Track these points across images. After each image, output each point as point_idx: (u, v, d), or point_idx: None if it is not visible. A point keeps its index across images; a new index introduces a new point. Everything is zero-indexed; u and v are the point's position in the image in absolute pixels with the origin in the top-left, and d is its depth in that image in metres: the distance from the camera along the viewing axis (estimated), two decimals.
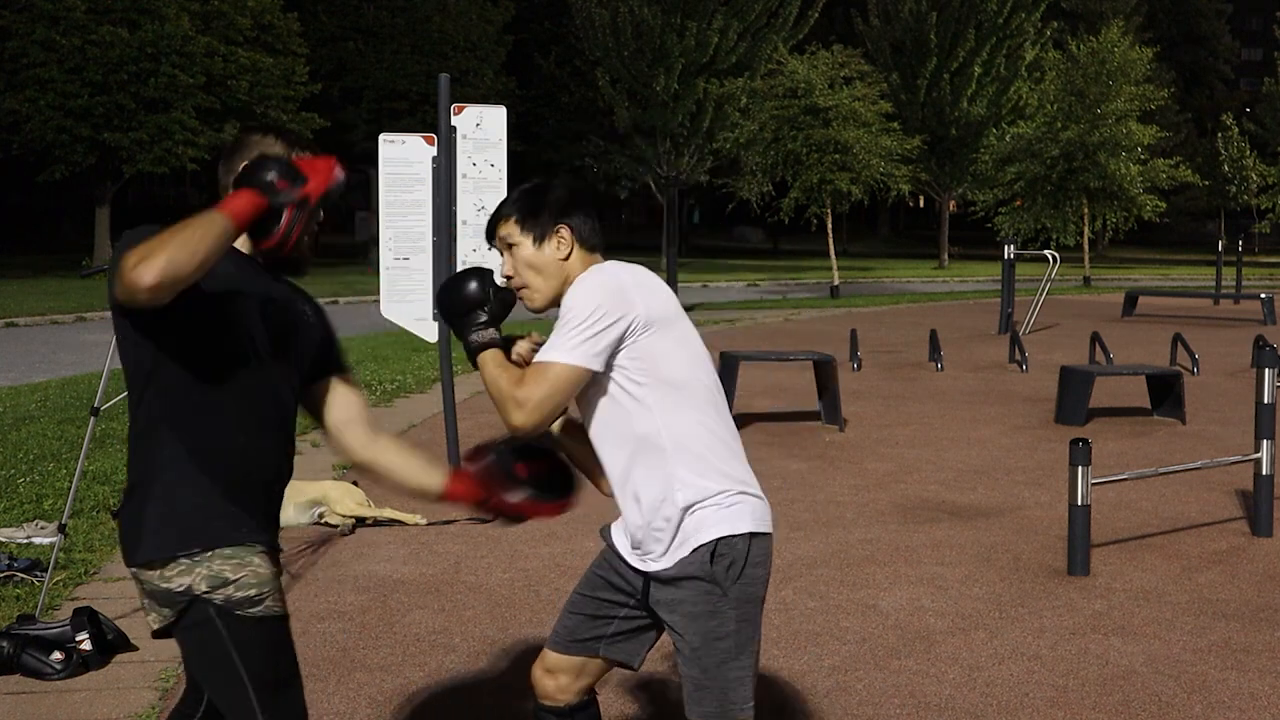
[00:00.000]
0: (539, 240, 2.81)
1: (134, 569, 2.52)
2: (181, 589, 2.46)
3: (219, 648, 2.48)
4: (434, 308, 2.87)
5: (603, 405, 2.75)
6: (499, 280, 2.86)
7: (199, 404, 2.49)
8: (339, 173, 2.60)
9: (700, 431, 2.74)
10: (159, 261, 2.20)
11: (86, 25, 29.96)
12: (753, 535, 2.75)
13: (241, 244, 2.57)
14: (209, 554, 2.47)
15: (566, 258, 2.81)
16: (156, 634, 2.56)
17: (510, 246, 2.84)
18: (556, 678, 2.98)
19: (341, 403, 2.81)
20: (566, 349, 2.66)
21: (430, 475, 2.85)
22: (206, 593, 2.46)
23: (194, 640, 2.50)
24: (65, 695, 4.24)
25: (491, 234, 2.89)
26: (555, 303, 2.82)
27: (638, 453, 2.73)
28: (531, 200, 2.84)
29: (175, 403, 2.49)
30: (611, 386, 2.72)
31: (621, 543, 2.88)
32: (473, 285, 2.82)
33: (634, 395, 2.71)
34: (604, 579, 2.93)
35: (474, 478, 2.84)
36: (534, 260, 2.82)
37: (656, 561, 2.76)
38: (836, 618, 5.09)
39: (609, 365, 2.70)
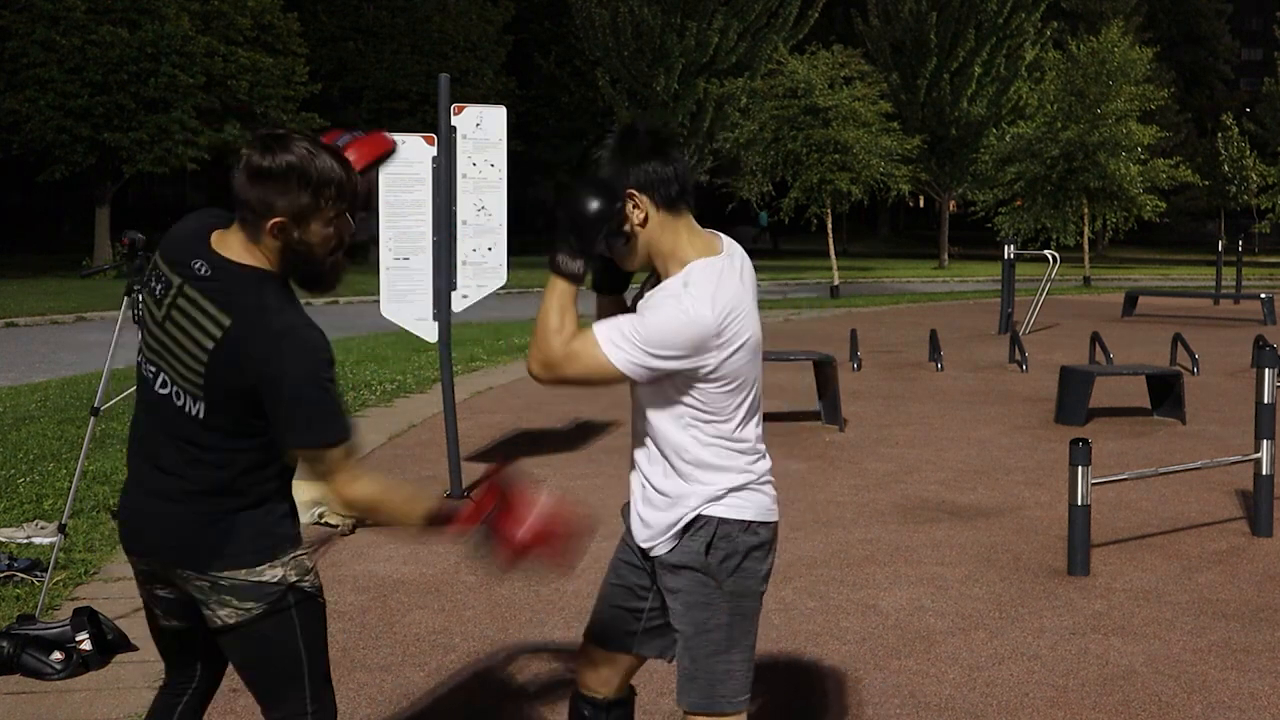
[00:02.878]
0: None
1: (216, 571, 2.58)
2: (276, 580, 2.60)
3: (289, 635, 2.63)
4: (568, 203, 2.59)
5: (654, 386, 2.69)
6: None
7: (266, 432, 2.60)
8: (387, 152, 2.73)
9: (728, 429, 2.71)
10: (357, 512, 2.70)
11: (86, 25, 29.93)
12: (751, 524, 2.73)
13: (256, 260, 2.56)
14: (295, 550, 2.65)
15: (643, 223, 2.65)
16: (230, 629, 2.62)
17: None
18: (599, 670, 2.98)
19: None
20: (623, 356, 2.57)
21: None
22: (296, 581, 2.63)
23: (269, 630, 2.61)
24: (65, 695, 4.24)
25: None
26: (644, 266, 2.71)
27: (661, 438, 2.72)
28: (606, 163, 2.66)
29: (243, 432, 2.60)
30: (666, 384, 2.67)
31: (634, 522, 2.85)
32: (588, 204, 2.58)
33: (681, 402, 2.68)
34: (627, 564, 2.91)
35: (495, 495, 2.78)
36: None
37: (656, 544, 2.76)
38: (836, 618, 5.09)
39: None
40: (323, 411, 2.49)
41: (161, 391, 2.58)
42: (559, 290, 2.61)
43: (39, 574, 5.39)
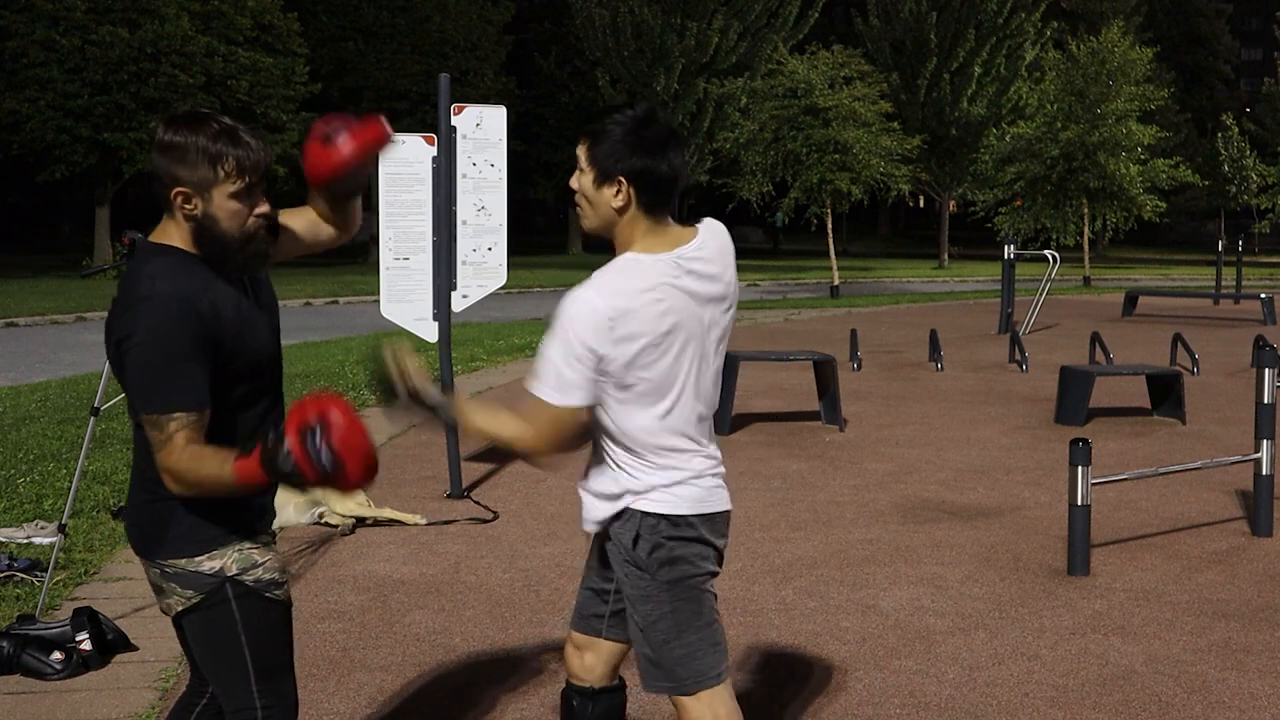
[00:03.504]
0: (598, 181, 2.67)
1: (158, 559, 2.62)
2: (213, 571, 2.60)
3: (229, 628, 2.63)
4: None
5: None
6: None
7: (224, 415, 2.59)
8: (383, 141, 2.64)
9: (647, 427, 2.74)
10: (183, 488, 2.50)
11: (86, 25, 29.93)
12: (679, 518, 2.75)
13: (190, 248, 2.60)
14: (240, 542, 2.64)
15: (621, 210, 2.69)
16: (179, 616, 2.67)
17: (580, 168, 2.71)
18: (582, 655, 3.02)
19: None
20: (547, 384, 2.67)
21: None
22: (237, 574, 2.62)
23: (208, 620, 2.63)
24: (65, 695, 4.24)
25: (578, 141, 2.75)
26: (600, 233, 2.75)
27: (600, 434, 2.80)
28: (611, 136, 2.66)
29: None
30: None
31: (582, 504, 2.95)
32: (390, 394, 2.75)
33: (608, 396, 2.73)
34: (598, 550, 2.96)
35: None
36: (591, 196, 2.70)
37: (595, 530, 2.86)
38: (836, 618, 5.09)
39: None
40: (157, 378, 2.45)
41: None
42: (472, 419, 2.77)
43: (39, 574, 5.39)
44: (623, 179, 2.65)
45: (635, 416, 2.72)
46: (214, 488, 2.50)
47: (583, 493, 2.87)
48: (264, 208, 2.60)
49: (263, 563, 2.66)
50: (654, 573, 2.74)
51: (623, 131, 2.65)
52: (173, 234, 2.61)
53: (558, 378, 2.65)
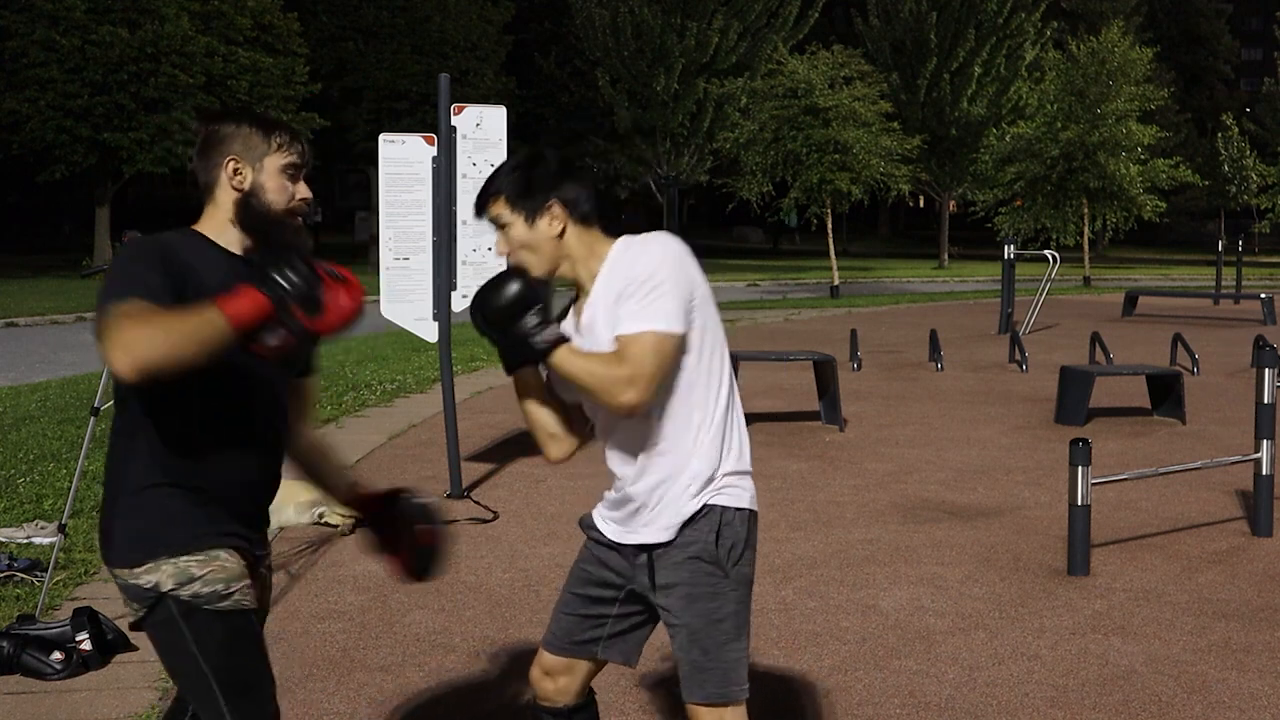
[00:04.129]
0: (531, 218, 2.71)
1: (109, 568, 2.59)
2: (150, 586, 2.51)
3: (182, 646, 2.52)
4: (477, 321, 2.64)
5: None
6: (498, 257, 2.80)
7: (182, 413, 2.51)
8: (358, 315, 2.45)
9: (721, 412, 2.75)
10: (137, 354, 2.17)
11: (86, 25, 29.92)
12: (751, 514, 2.82)
13: (233, 243, 2.59)
14: (177, 555, 2.51)
15: (560, 234, 2.72)
16: (133, 626, 2.62)
17: (502, 226, 2.74)
18: (555, 679, 2.97)
19: (296, 404, 2.83)
20: (661, 317, 2.59)
21: (339, 479, 3.09)
22: (173, 590, 2.50)
23: (160, 637, 2.56)
24: (65, 695, 4.24)
25: (481, 210, 2.76)
26: (553, 271, 2.75)
27: (665, 420, 2.71)
28: (521, 177, 2.72)
29: (156, 410, 2.51)
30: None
31: (608, 525, 2.86)
32: (515, 287, 2.64)
33: (682, 367, 2.69)
34: (591, 574, 2.91)
35: (382, 509, 3.03)
36: (527, 240, 2.72)
37: (653, 534, 2.76)
38: (836, 618, 5.09)
39: None
40: (111, 283, 2.39)
41: None
42: (569, 355, 2.64)
43: (39, 574, 5.39)
44: (553, 204, 2.71)
45: (709, 393, 2.73)
46: (193, 331, 2.21)
47: (638, 510, 2.77)
48: (305, 192, 2.64)
49: (202, 575, 2.50)
50: (729, 569, 2.74)
51: (526, 173, 2.73)
52: (204, 221, 2.60)
53: (674, 307, 2.61)
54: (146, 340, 2.18)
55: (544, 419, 2.87)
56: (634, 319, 2.60)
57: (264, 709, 2.59)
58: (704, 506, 2.73)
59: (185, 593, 2.49)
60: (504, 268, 2.75)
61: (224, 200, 2.58)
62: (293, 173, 2.61)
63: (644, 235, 2.71)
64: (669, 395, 2.69)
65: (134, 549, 2.52)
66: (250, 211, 2.58)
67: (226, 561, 2.55)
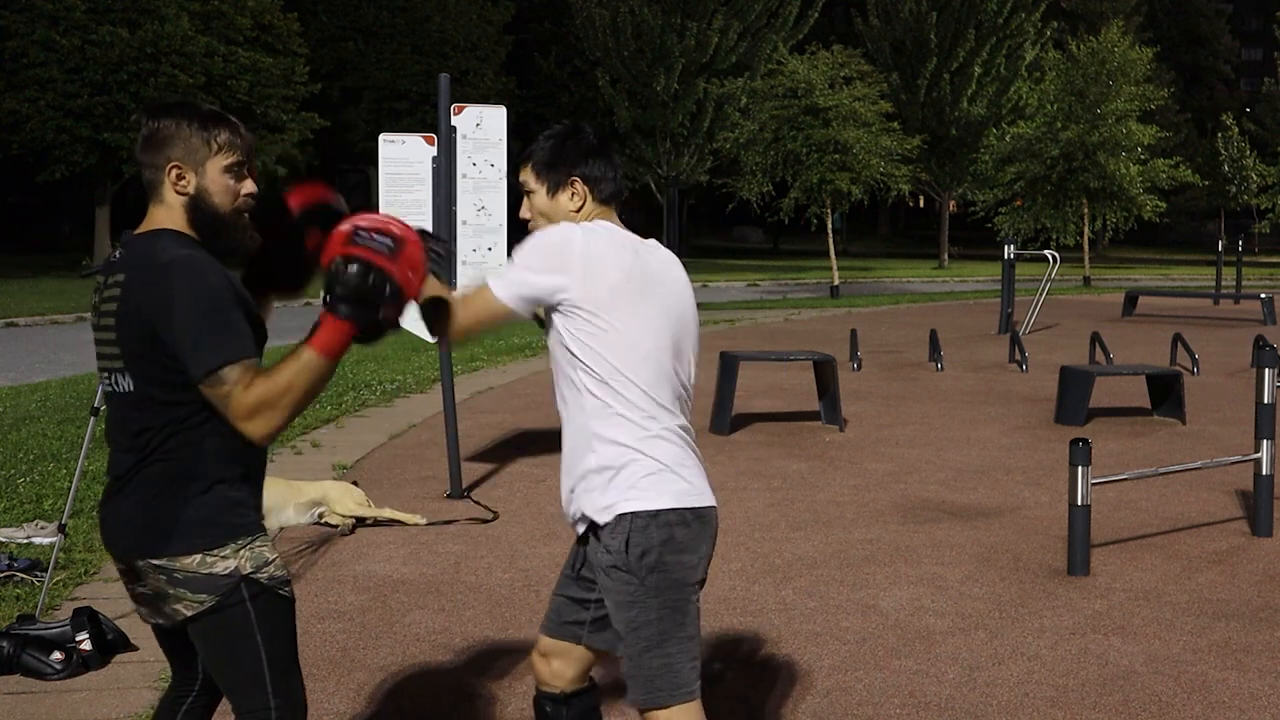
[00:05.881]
0: (553, 190, 2.85)
1: (163, 560, 2.55)
2: (227, 572, 2.56)
3: (245, 630, 2.59)
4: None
5: (557, 363, 2.81)
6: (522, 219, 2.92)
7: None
8: (423, 256, 2.52)
9: (631, 400, 2.72)
10: (278, 422, 2.47)
11: (86, 25, 29.92)
12: (661, 513, 2.69)
13: (178, 226, 2.61)
14: (250, 539, 2.61)
15: (579, 209, 2.84)
16: (190, 620, 2.59)
17: (528, 193, 2.88)
18: (550, 662, 3.00)
19: None
20: (500, 281, 2.74)
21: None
22: (252, 573, 2.58)
23: (223, 623, 2.58)
24: (65, 695, 4.24)
25: (518, 173, 2.94)
26: None
27: (573, 416, 2.78)
28: (551, 149, 2.85)
29: (209, 405, 2.54)
30: (558, 347, 2.77)
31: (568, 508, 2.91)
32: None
33: (575, 356, 2.74)
34: (579, 557, 2.95)
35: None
36: (547, 209, 2.86)
37: (579, 527, 2.83)
38: (836, 618, 5.09)
39: (550, 322, 2.76)
40: (208, 333, 2.44)
41: (109, 389, 2.65)
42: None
43: (39, 574, 5.39)
44: (575, 179, 2.83)
45: (611, 382, 2.78)
46: (309, 385, 2.45)
47: (578, 498, 2.83)
48: (250, 186, 2.66)
49: (273, 559, 2.62)
50: (644, 578, 2.70)
51: (558, 144, 2.86)
52: (162, 219, 2.62)
53: (510, 275, 2.75)
54: (277, 417, 2.46)
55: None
56: (493, 275, 2.78)
57: (300, 695, 2.70)
58: (615, 516, 2.71)
59: (263, 575, 2.60)
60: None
61: (172, 201, 2.61)
62: (236, 170, 2.63)
63: (577, 223, 2.80)
64: (571, 400, 2.76)
65: (208, 534, 2.56)
66: (199, 216, 2.61)
67: (276, 549, 2.69)
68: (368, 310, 2.43)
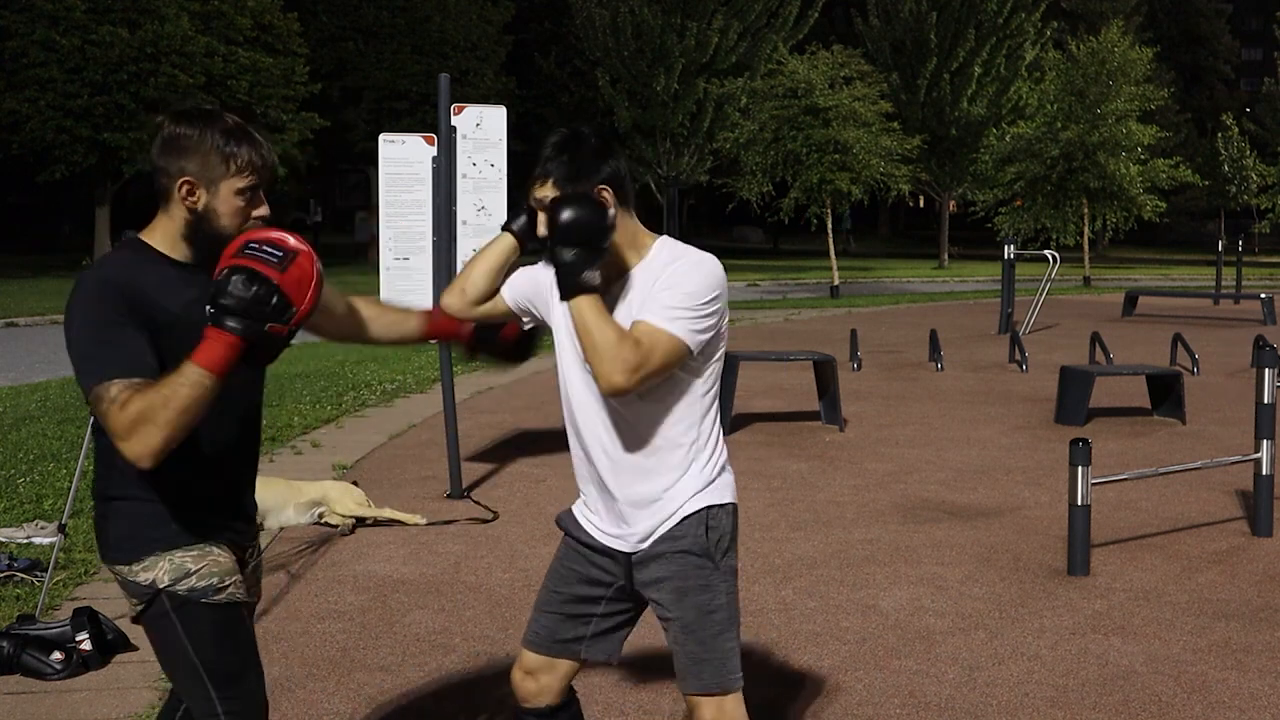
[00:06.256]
0: None
1: (107, 564, 2.65)
2: (147, 582, 2.56)
3: (174, 638, 2.58)
4: (555, 225, 2.58)
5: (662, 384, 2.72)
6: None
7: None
8: (318, 277, 2.43)
9: (711, 429, 2.81)
10: (157, 440, 2.32)
11: (86, 25, 29.91)
12: (735, 508, 2.84)
13: (186, 255, 2.57)
14: (172, 550, 2.57)
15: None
16: (133, 620, 2.67)
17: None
18: (538, 679, 2.96)
19: (327, 316, 2.92)
20: (685, 327, 2.61)
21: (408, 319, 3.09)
22: (170, 585, 2.56)
23: (154, 631, 2.62)
24: (65, 695, 4.24)
25: (527, 193, 2.73)
26: None
27: (660, 439, 2.74)
28: (571, 161, 2.68)
29: None
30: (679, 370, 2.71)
31: (592, 525, 2.87)
32: (595, 216, 2.60)
33: (696, 377, 2.74)
34: (577, 571, 2.91)
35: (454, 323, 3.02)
36: None
37: (642, 538, 2.78)
38: (836, 618, 5.09)
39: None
40: (88, 349, 2.39)
41: None
42: (591, 304, 2.61)
43: (39, 574, 5.39)
44: (603, 187, 2.68)
45: (708, 396, 2.80)
46: (189, 401, 2.31)
47: (627, 512, 2.78)
48: (263, 210, 2.58)
49: (197, 570, 2.56)
50: (719, 561, 2.77)
51: (573, 154, 2.69)
52: (156, 230, 2.58)
53: (688, 317, 2.62)
54: (156, 434, 2.32)
55: (480, 278, 2.93)
56: (661, 315, 2.61)
57: (253, 698, 2.65)
58: (703, 507, 2.78)
59: (181, 588, 2.56)
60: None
61: (177, 214, 2.56)
62: (250, 194, 2.56)
63: (690, 249, 2.72)
64: (669, 414, 2.73)
65: (129, 546, 2.58)
66: (200, 235, 2.55)
67: (219, 556, 2.62)
68: (253, 323, 2.33)
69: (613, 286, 2.73)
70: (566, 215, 2.59)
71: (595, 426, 2.77)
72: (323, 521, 6.46)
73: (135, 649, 4.56)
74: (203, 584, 2.57)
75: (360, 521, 6.50)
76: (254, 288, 2.32)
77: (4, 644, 4.38)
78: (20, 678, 4.35)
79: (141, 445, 2.33)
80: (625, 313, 2.69)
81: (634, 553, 2.80)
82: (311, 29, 37.21)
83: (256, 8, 32.55)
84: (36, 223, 45.89)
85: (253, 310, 2.32)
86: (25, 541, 6.04)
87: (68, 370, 12.07)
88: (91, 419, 5.12)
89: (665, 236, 2.79)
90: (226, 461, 2.66)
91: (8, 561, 5.51)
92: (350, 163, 42.85)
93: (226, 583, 2.60)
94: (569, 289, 2.61)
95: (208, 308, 2.33)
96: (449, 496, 7.18)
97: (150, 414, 2.31)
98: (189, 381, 2.32)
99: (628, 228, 2.74)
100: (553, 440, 9.02)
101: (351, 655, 4.64)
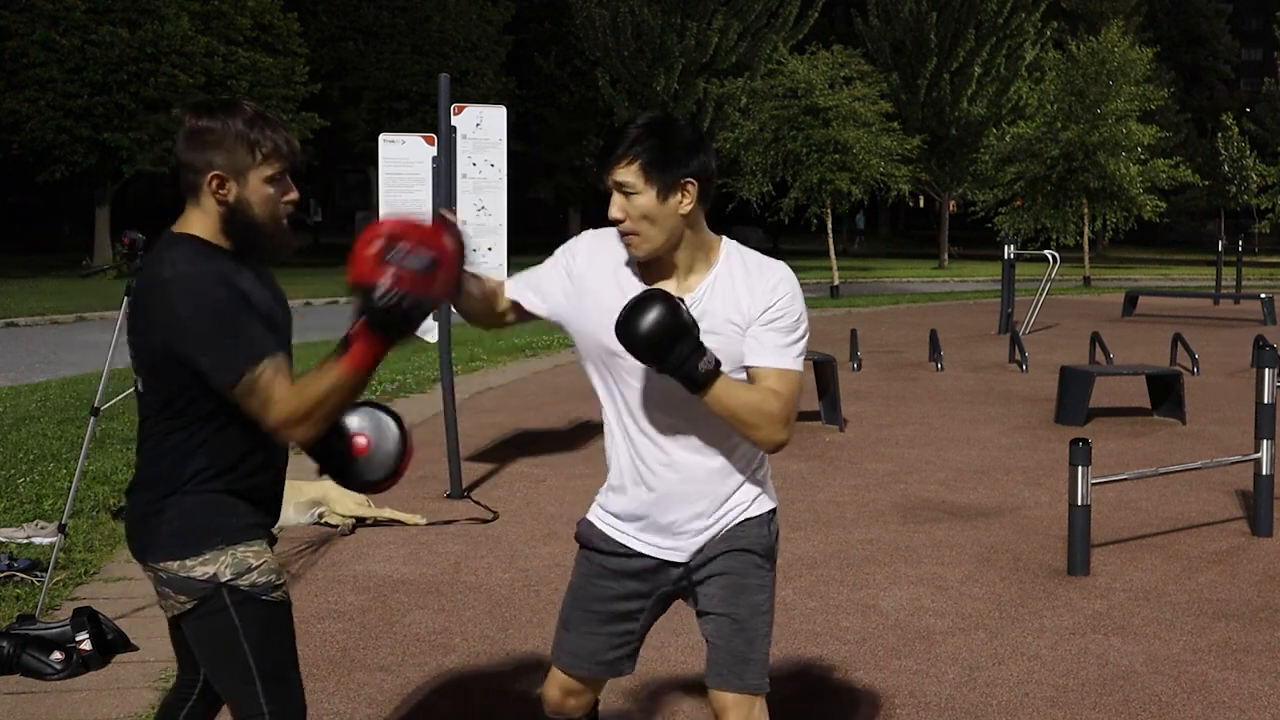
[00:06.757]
0: (664, 193, 2.56)
1: (151, 562, 2.59)
2: (205, 577, 2.54)
3: (231, 636, 2.57)
4: (633, 342, 2.49)
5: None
6: (613, 214, 2.61)
7: (232, 411, 2.52)
8: (459, 255, 2.46)
9: None
10: (313, 428, 2.47)
11: (86, 25, 29.92)
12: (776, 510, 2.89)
13: (225, 244, 2.57)
14: (234, 545, 2.57)
15: (689, 213, 2.60)
16: (175, 620, 2.64)
17: (630, 194, 2.56)
18: (578, 696, 2.92)
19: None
20: (796, 355, 2.66)
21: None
22: (231, 580, 2.55)
23: (207, 628, 2.58)
24: (65, 695, 4.24)
25: (607, 169, 2.58)
26: (661, 254, 2.63)
27: (731, 454, 2.74)
28: (662, 148, 2.55)
29: (217, 411, 2.52)
30: (740, 370, 2.67)
31: (630, 538, 2.78)
32: (663, 315, 2.47)
33: None
34: (614, 589, 2.82)
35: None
36: (654, 213, 2.56)
37: (703, 541, 2.76)
38: (836, 618, 5.09)
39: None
40: (222, 342, 2.42)
41: (136, 389, 2.65)
42: (723, 387, 2.55)
43: (39, 574, 5.39)
44: (689, 181, 2.58)
45: None
46: (339, 399, 2.44)
47: (694, 523, 2.75)
48: (293, 195, 2.61)
49: (258, 565, 2.58)
50: (773, 564, 2.81)
51: (665, 141, 2.58)
52: (194, 223, 2.57)
53: (800, 344, 2.68)
54: (318, 425, 2.47)
55: (481, 307, 2.84)
56: (780, 357, 2.63)
57: (296, 700, 2.66)
58: (768, 510, 2.82)
59: (244, 583, 2.56)
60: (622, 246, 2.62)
61: (209, 206, 2.56)
62: (280, 180, 2.57)
63: (768, 262, 2.70)
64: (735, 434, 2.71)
65: (185, 540, 2.54)
66: (235, 226, 2.56)
67: (271, 556, 2.64)
68: (406, 330, 2.42)
69: (686, 282, 2.66)
70: (646, 327, 2.47)
71: (665, 436, 2.70)
72: (323, 521, 6.46)
73: (135, 649, 4.56)
74: (263, 580, 2.58)
75: (360, 521, 6.50)
76: (403, 301, 2.37)
77: (4, 644, 4.38)
78: (20, 678, 4.35)
79: (305, 433, 2.46)
80: (716, 318, 2.62)
81: (689, 560, 2.76)
82: (311, 29, 37.23)
83: (256, 8, 32.57)
84: (36, 223, 45.92)
85: (405, 326, 2.41)
86: (25, 541, 6.04)
87: (68, 370, 12.02)
88: (92, 419, 5.14)
89: (726, 238, 2.73)
90: (279, 458, 2.70)
91: (8, 561, 5.52)
92: (350, 163, 42.89)
93: (281, 580, 2.63)
94: (695, 386, 2.53)
95: (362, 313, 2.39)
96: (449, 496, 7.18)
97: (319, 406, 2.44)
98: (352, 384, 2.44)
99: (698, 227, 2.64)
100: (553, 440, 9.02)
101: (351, 655, 4.64)
